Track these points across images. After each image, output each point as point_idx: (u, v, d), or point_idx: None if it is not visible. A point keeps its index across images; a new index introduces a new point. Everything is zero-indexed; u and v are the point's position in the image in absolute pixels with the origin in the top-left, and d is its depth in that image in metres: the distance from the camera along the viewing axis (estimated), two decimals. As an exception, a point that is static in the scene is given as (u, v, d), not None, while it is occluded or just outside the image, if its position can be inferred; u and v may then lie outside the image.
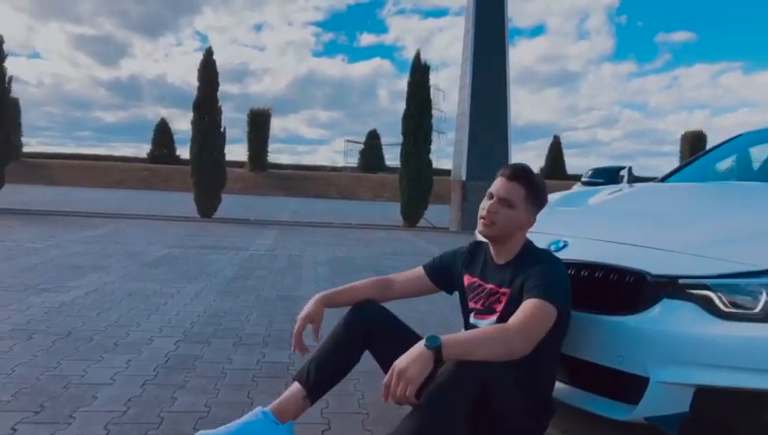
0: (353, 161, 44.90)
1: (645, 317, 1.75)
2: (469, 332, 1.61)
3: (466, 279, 1.96)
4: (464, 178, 12.64)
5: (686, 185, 2.75)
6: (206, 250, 7.03)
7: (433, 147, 13.35)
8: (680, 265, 1.74)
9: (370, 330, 1.87)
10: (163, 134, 41.65)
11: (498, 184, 1.81)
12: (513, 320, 1.61)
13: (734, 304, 1.64)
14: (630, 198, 2.57)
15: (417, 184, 13.07)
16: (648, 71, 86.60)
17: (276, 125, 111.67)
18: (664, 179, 3.33)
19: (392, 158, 48.22)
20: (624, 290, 1.81)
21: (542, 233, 2.13)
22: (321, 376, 1.80)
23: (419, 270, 2.07)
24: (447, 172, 14.99)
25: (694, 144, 29.97)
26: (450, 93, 48.59)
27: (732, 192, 2.48)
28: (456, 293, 2.05)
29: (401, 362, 1.44)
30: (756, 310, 1.61)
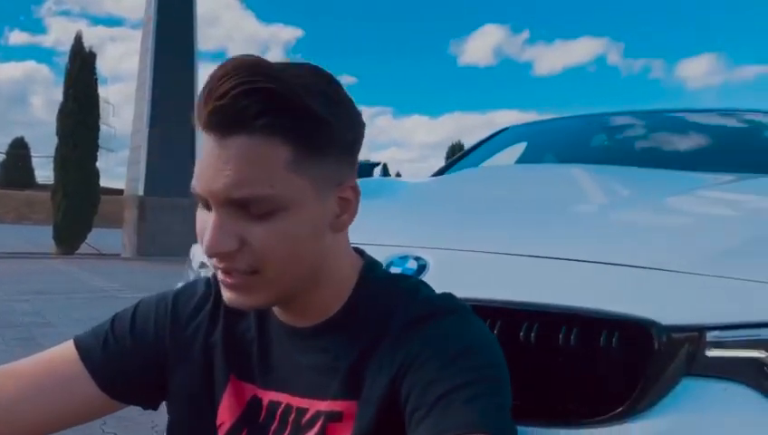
0: (-9, 175, 36.58)
1: (650, 426, 0.72)
2: None
3: (232, 391, 0.67)
4: (141, 192, 10.60)
5: (551, 166, 1.86)
6: None
7: (100, 165, 10.95)
8: (709, 302, 0.77)
9: None
10: None
11: (204, 157, 0.55)
12: None
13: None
14: (498, 182, 1.49)
15: (80, 199, 10.47)
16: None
17: None
18: (441, 173, 2.54)
19: (47, 176, 41.19)
20: (594, 366, 0.76)
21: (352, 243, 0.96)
22: None
23: (65, 358, 0.68)
24: (117, 192, 12.76)
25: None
26: (123, 109, 43.99)
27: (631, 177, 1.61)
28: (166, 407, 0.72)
29: None
30: None
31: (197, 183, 0.55)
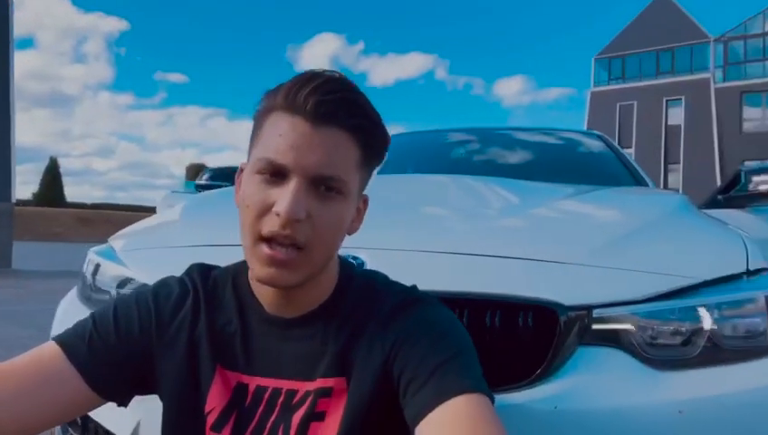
0: None
1: (556, 387, 0.90)
2: None
3: (219, 380, 0.73)
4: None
5: (437, 177, 2.00)
6: None
7: None
8: (594, 287, 0.98)
9: None
10: None
11: (294, 137, 0.64)
12: None
13: (668, 346, 0.98)
14: (396, 189, 1.59)
15: None
16: (147, 105, 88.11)
17: None
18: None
19: None
20: (514, 341, 0.93)
21: (223, 246, 1.07)
22: None
23: (51, 357, 0.70)
24: None
25: (197, 174, 32.01)
26: None
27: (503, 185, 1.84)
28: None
29: None
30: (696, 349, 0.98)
31: (282, 156, 0.64)
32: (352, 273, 0.77)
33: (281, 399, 0.71)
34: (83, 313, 1.26)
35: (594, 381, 0.91)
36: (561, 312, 0.91)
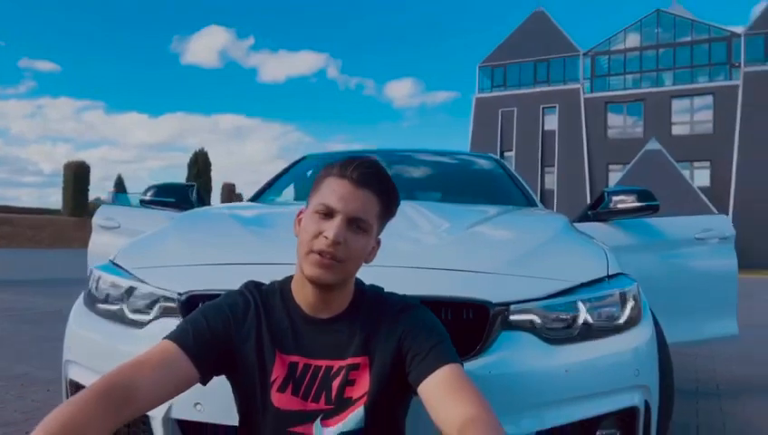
0: None
1: (487, 359, 1.33)
2: None
3: (278, 360, 1.07)
4: None
5: None
6: None
7: None
8: (510, 289, 1.41)
9: None
10: None
11: (342, 192, 1.03)
12: (471, 408, 0.94)
13: (558, 328, 1.44)
14: None
15: None
16: (11, 94, 79.99)
17: None
18: (256, 199, 2.91)
19: None
20: (460, 329, 1.34)
21: (228, 264, 1.44)
22: None
23: (168, 349, 1.01)
24: None
25: (77, 173, 29.66)
26: None
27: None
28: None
29: None
30: (576, 330, 1.45)
31: (334, 203, 1.01)
32: (363, 287, 1.14)
33: (321, 372, 1.06)
34: (89, 316, 1.53)
35: (512, 354, 1.33)
36: (491, 307, 1.33)
